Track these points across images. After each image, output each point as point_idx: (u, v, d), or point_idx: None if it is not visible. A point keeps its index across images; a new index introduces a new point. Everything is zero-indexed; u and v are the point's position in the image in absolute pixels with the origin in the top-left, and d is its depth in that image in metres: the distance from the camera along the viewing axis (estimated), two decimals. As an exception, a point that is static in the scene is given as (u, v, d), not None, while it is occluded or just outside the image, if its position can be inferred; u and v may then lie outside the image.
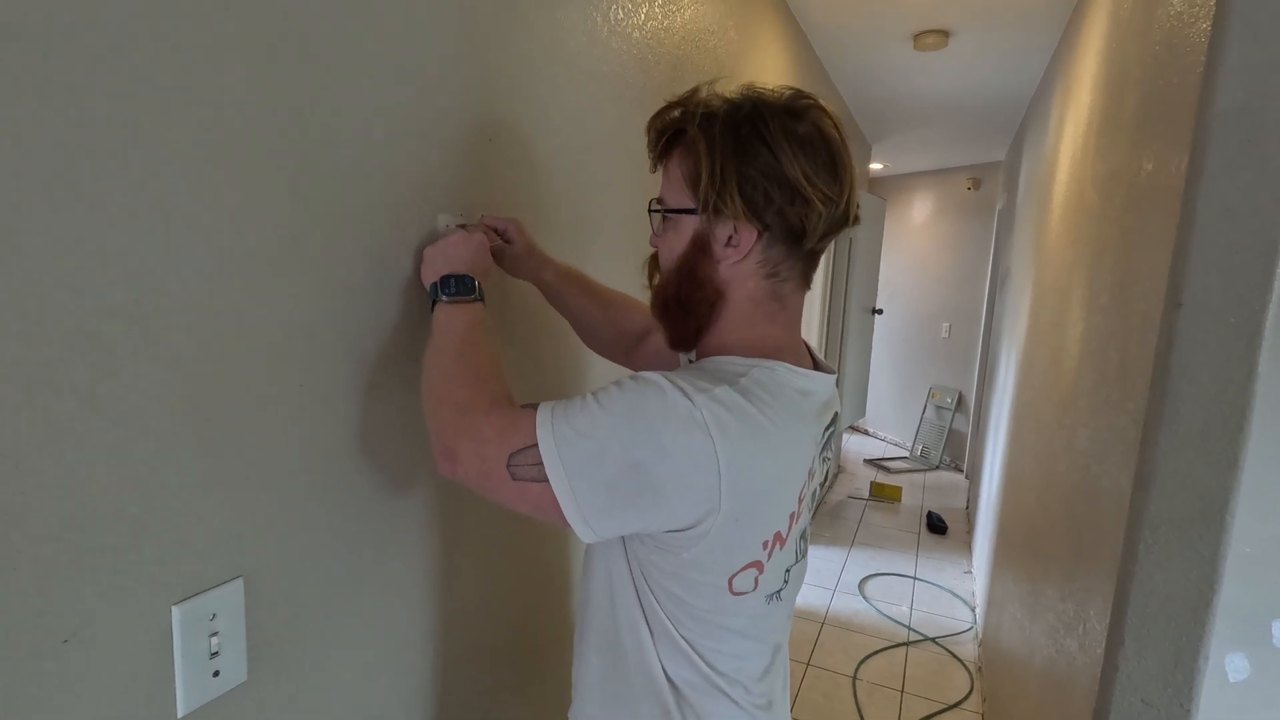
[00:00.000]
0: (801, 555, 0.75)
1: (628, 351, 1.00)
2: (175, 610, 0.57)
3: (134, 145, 0.51)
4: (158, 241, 0.53)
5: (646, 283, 0.78)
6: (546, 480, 0.59)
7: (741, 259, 0.67)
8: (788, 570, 0.72)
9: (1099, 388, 1.24)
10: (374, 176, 0.73)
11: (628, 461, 0.58)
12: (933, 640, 2.82)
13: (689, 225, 0.68)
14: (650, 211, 0.73)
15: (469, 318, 0.73)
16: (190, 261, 0.55)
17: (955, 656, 2.71)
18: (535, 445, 0.60)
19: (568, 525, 0.61)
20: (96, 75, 0.48)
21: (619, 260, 1.29)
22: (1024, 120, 3.59)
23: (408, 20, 0.75)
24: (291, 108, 0.63)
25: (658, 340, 0.95)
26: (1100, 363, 1.25)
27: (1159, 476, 0.89)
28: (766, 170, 0.63)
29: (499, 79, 0.91)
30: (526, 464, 0.60)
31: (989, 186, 5.07)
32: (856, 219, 0.69)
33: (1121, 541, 0.96)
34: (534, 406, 0.63)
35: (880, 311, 4.93)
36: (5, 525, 0.46)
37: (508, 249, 0.90)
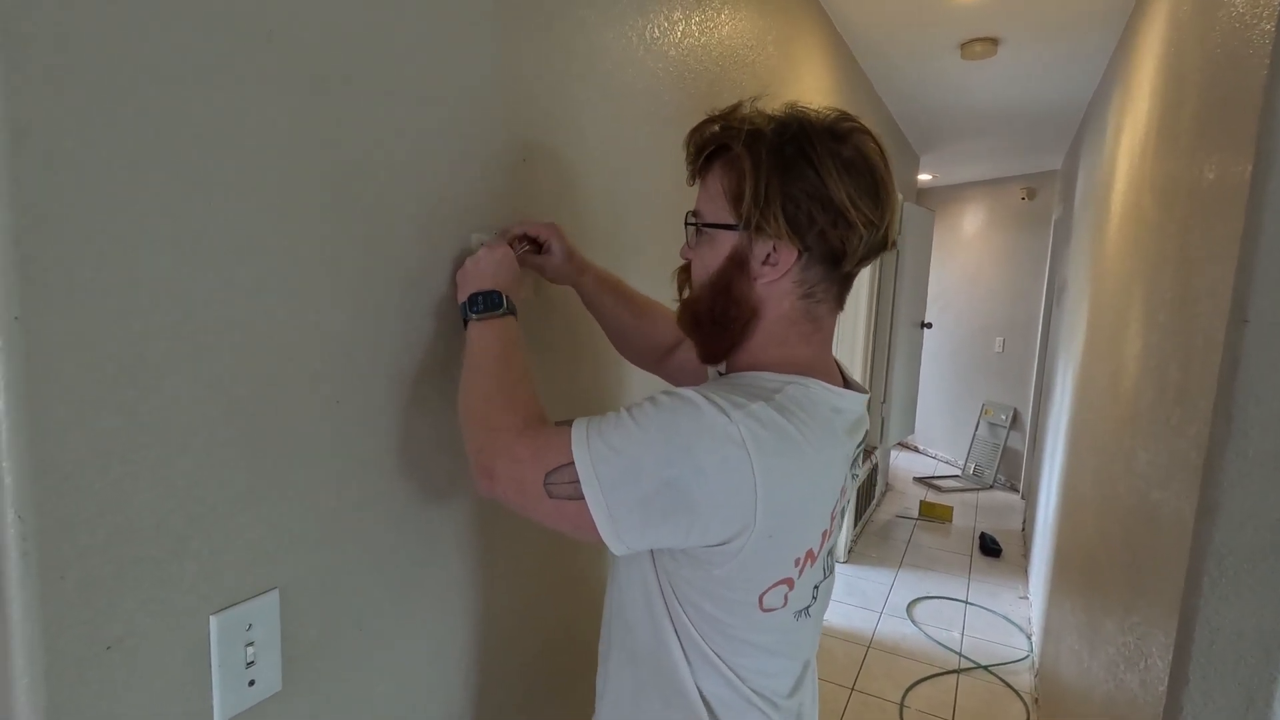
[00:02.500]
0: (829, 572, 0.75)
1: (658, 361, 1.00)
2: (213, 620, 0.59)
3: (178, 172, 0.53)
4: (200, 265, 0.55)
5: (677, 294, 0.78)
6: (583, 498, 0.60)
7: (779, 278, 0.67)
8: (816, 587, 0.72)
9: (1158, 409, 1.17)
10: (409, 198, 0.75)
11: (662, 479, 0.58)
12: (986, 668, 2.70)
13: (726, 241, 0.68)
14: (686, 224, 0.74)
15: (500, 334, 0.74)
16: (231, 284, 0.58)
17: (1010, 686, 2.58)
18: (571, 463, 0.60)
19: (601, 541, 0.61)
20: (142, 104, 0.51)
21: (656, 277, 1.29)
22: (1080, 128, 3.47)
23: (443, 45, 0.77)
24: (330, 132, 0.65)
25: (687, 352, 0.95)
26: (1160, 382, 1.19)
27: (1225, 505, 0.84)
28: (811, 191, 0.63)
29: (533, 100, 0.93)
30: (563, 482, 0.61)
31: (1044, 196, 4.90)
32: (894, 243, 0.69)
33: (1184, 574, 0.90)
34: (568, 424, 0.64)
35: (929, 325, 4.79)
36: (56, 536, 0.48)
37: (549, 258, 0.91)
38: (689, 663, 0.68)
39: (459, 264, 0.82)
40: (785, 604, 0.67)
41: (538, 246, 0.91)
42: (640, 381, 1.28)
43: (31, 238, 0.45)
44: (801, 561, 0.65)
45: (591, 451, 0.60)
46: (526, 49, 0.90)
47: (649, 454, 0.59)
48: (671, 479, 0.58)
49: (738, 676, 0.68)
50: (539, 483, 0.62)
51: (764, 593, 0.65)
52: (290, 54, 0.61)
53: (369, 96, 0.69)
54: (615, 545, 0.61)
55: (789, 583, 0.66)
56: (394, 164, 0.73)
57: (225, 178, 0.56)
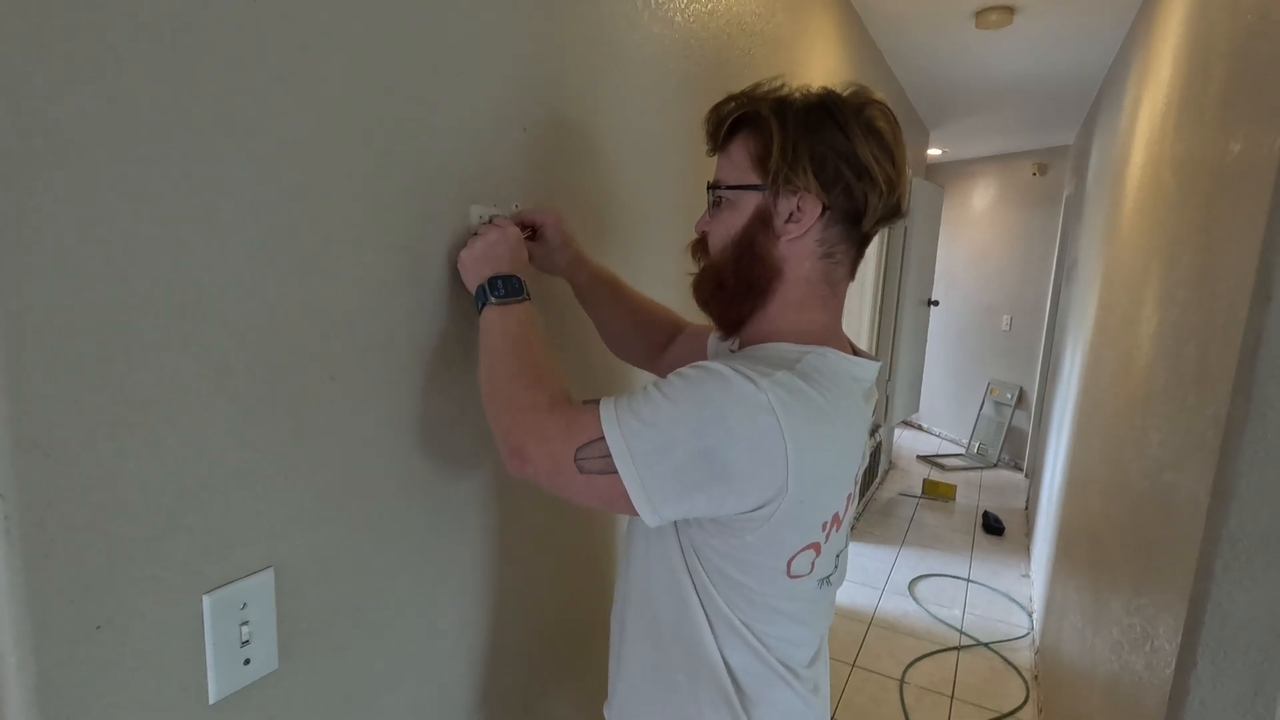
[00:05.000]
0: (846, 541, 0.77)
1: (651, 359, 0.99)
2: (206, 599, 0.58)
3: (166, 139, 0.51)
4: (190, 235, 0.53)
5: (693, 265, 0.78)
6: (615, 472, 0.60)
7: (802, 235, 0.68)
8: (838, 555, 0.74)
9: (1175, 389, 1.15)
10: (405, 168, 0.72)
11: (696, 449, 0.59)
12: (986, 645, 2.71)
13: (750, 202, 0.70)
14: (709, 190, 0.74)
15: (521, 317, 0.73)
16: (222, 255, 0.56)
17: (1010, 663, 2.60)
18: (601, 438, 0.61)
19: (635, 514, 0.62)
20: (123, 64, 0.48)
21: (659, 251, 1.27)
22: (1096, 101, 3.39)
23: (440, 7, 0.74)
24: (322, 99, 0.62)
25: (680, 348, 0.96)
26: (1176, 362, 1.16)
27: (1242, 487, 0.82)
28: (837, 147, 0.66)
29: (534, 67, 0.90)
30: (594, 457, 0.62)
31: (1056, 172, 4.81)
32: (906, 210, 0.71)
33: (1196, 557, 0.89)
34: (596, 402, 0.64)
35: (936, 303, 4.75)
36: (40, 512, 0.47)
37: (543, 246, 0.89)
38: (714, 634, 0.69)
39: (460, 242, 0.80)
40: (811, 570, 0.68)
41: (532, 232, 0.88)
42: (645, 377, 1.25)
43: (8, 198, 0.43)
44: (828, 526, 0.67)
45: (622, 426, 0.61)
46: (527, 12, 0.87)
47: (681, 425, 0.59)
48: (705, 448, 0.59)
49: (764, 645, 0.69)
50: (570, 459, 0.63)
51: (792, 558, 0.66)
52: (279, 15, 0.58)
53: (364, 61, 0.66)
54: (650, 517, 0.62)
55: (816, 548, 0.67)
56: (390, 132, 0.70)
57: (213, 144, 0.54)
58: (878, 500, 4.28)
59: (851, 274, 0.73)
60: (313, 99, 0.62)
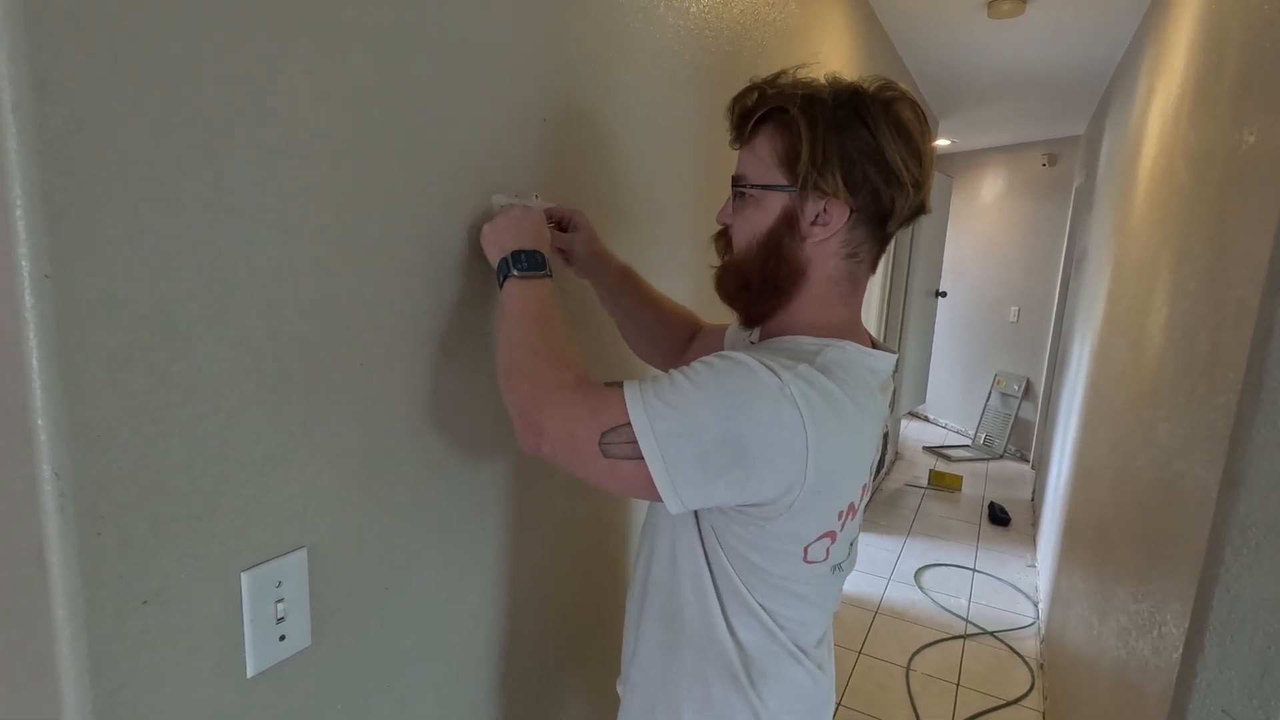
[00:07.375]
0: (859, 528, 0.79)
1: (673, 358, 1.00)
2: (244, 577, 0.60)
3: (201, 136, 0.52)
4: (227, 228, 0.55)
5: (715, 257, 0.79)
6: (640, 458, 0.61)
7: (828, 238, 0.68)
8: (851, 543, 0.75)
9: (1184, 379, 1.16)
10: (429, 159, 0.74)
11: (721, 435, 0.59)
12: (991, 634, 2.73)
13: (776, 202, 0.69)
14: (735, 187, 0.73)
15: (543, 293, 0.73)
16: (257, 247, 0.57)
17: (1015, 652, 2.62)
18: (628, 424, 0.61)
19: (658, 499, 0.62)
20: (164, 58, 0.49)
21: (674, 240, 1.28)
22: (1108, 91, 3.36)
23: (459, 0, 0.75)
24: (348, 93, 0.64)
25: (699, 347, 0.98)
26: (1187, 353, 1.17)
27: (1250, 475, 0.83)
28: (866, 150, 0.65)
29: (553, 58, 0.91)
30: (620, 442, 0.62)
31: (1066, 163, 4.79)
32: (929, 208, 0.72)
33: (1205, 543, 0.90)
34: (619, 385, 0.64)
35: (944, 294, 4.74)
36: (93, 492, 0.49)
37: (573, 248, 0.91)
38: (727, 614, 0.71)
39: (485, 222, 0.81)
40: (826, 557, 0.70)
41: (561, 228, 0.89)
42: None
43: (61, 193, 0.45)
44: (844, 514, 0.69)
45: (648, 410, 0.61)
46: (545, 2, 0.88)
47: (707, 411, 0.60)
48: (729, 434, 0.59)
49: (776, 624, 0.71)
50: (593, 441, 0.62)
51: (809, 545, 0.67)
52: (305, 8, 0.59)
53: (386, 53, 0.67)
54: (672, 503, 0.62)
55: (832, 536, 0.69)
56: (413, 123, 0.71)
57: (247, 139, 0.56)
58: (884, 491, 4.30)
59: (873, 269, 0.74)
60: (337, 92, 0.63)
